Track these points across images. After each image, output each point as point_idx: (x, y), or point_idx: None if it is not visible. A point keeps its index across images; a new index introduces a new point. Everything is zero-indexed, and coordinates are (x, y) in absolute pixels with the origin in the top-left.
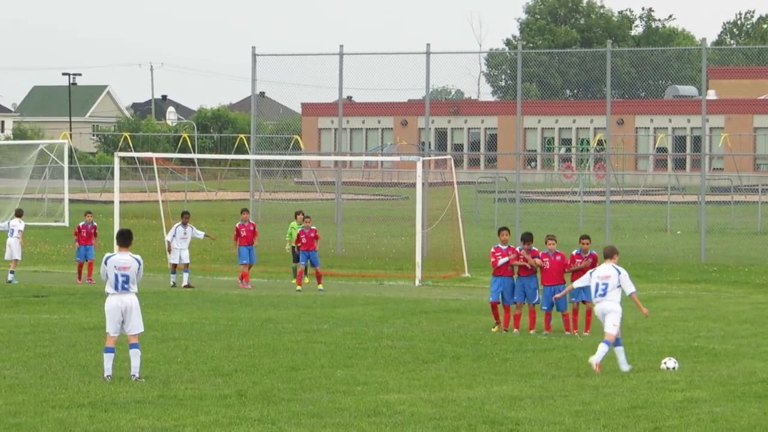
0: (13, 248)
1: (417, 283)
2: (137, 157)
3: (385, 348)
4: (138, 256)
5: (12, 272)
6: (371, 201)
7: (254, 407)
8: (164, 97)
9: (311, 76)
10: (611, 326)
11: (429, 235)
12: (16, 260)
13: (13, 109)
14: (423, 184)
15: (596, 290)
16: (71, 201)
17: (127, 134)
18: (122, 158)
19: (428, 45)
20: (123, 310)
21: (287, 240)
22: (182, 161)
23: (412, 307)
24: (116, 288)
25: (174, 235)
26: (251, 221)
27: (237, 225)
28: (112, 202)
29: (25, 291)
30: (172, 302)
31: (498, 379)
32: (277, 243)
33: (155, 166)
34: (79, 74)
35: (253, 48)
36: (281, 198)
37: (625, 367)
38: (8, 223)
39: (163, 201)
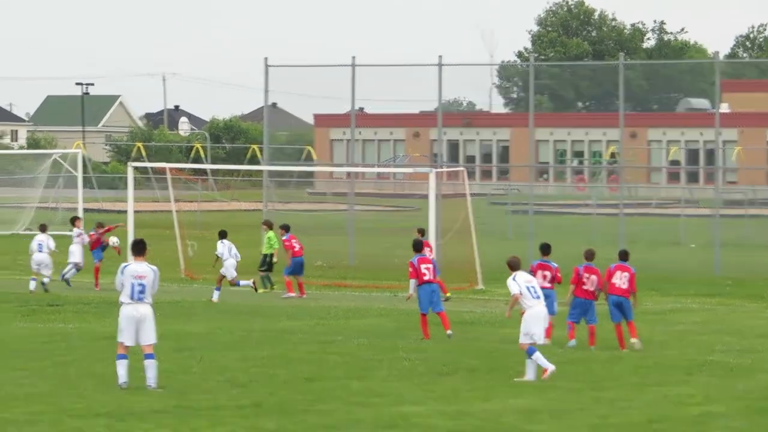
0: (43, 263)
1: None
2: (150, 167)
3: (399, 360)
4: (154, 267)
5: (46, 281)
6: (384, 212)
7: (270, 418)
8: (176, 108)
9: (323, 87)
10: (544, 333)
11: (442, 247)
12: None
13: (26, 119)
14: (435, 195)
15: (531, 293)
16: (85, 210)
17: (140, 144)
18: (136, 168)
19: (440, 57)
20: (138, 320)
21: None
22: (195, 171)
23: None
24: (132, 297)
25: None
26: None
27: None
28: (126, 211)
29: (41, 300)
30: (187, 312)
31: (513, 391)
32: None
33: (168, 176)
34: (92, 84)
35: (266, 59)
36: (294, 209)
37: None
38: (37, 243)
39: (176, 211)
